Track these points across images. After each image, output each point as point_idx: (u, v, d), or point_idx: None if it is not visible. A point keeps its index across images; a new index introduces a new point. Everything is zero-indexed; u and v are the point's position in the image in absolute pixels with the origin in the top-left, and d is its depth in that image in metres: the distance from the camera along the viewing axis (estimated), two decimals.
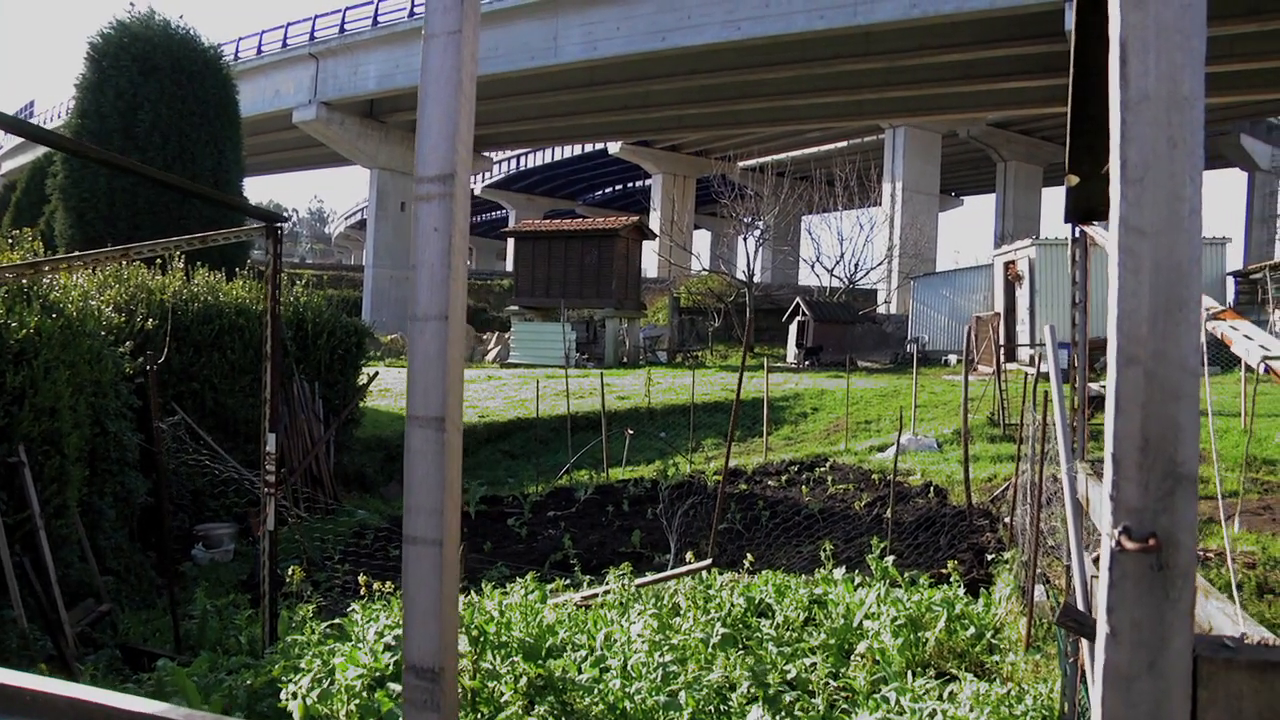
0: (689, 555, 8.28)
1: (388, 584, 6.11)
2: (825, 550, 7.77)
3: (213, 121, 19.15)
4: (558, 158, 73.73)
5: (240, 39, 47.83)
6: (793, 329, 32.18)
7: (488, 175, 74.54)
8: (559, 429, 17.11)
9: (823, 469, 13.39)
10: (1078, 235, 4.84)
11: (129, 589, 8.18)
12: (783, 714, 4.35)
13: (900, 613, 5.66)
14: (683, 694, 4.26)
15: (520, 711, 4.18)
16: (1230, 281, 27.94)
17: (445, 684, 1.35)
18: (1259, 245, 45.51)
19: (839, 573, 6.93)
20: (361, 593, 6.17)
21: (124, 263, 11.02)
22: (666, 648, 4.98)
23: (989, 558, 8.23)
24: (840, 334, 31.55)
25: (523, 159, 75.20)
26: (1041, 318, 24.36)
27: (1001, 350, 17.70)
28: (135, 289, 11.11)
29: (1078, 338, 5.01)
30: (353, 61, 42.16)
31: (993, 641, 5.77)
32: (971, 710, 4.26)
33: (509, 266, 50.27)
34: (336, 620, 5.61)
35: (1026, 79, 32.27)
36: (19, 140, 46.12)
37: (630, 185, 79.47)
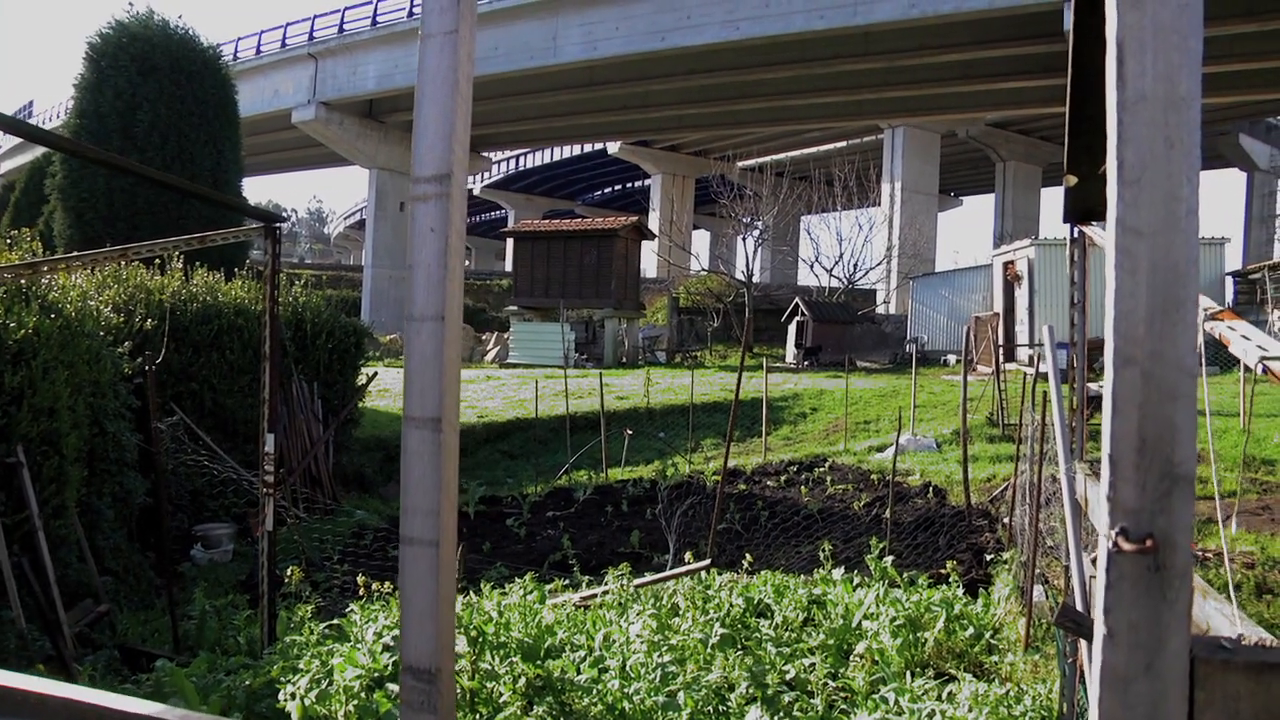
0: (688, 555, 8.28)
1: (386, 584, 6.11)
2: (824, 550, 7.77)
3: (211, 121, 19.15)
4: (557, 158, 73.72)
5: (239, 39, 47.82)
6: (792, 329, 32.18)
7: (487, 175, 74.52)
8: (558, 429, 17.10)
9: (822, 469, 13.39)
10: (1076, 235, 4.84)
11: (127, 589, 8.17)
12: (781, 714, 4.35)
13: (899, 613, 5.66)
14: (681, 694, 4.26)
15: (519, 712, 4.18)
16: (1229, 282, 27.94)
17: (442, 685, 1.35)
18: (1258, 245, 45.52)
19: (838, 573, 6.93)
20: (360, 593, 6.17)
21: (123, 263, 11.02)
22: (665, 648, 4.97)
23: (988, 558, 8.23)
24: (839, 334, 31.56)
25: (522, 159, 75.19)
26: (1040, 318, 24.36)
27: (1000, 350, 17.71)
28: (134, 289, 11.10)
29: (1076, 338, 5.01)
30: (352, 61, 42.16)
31: (992, 642, 5.77)
32: (970, 710, 4.26)
33: (508, 267, 50.29)
34: (335, 621, 5.61)
35: (1025, 79, 32.28)
36: (18, 140, 46.10)
37: (629, 185, 79.48)
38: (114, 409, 8.57)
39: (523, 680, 4.35)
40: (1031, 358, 22.07)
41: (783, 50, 32.91)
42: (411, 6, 39.85)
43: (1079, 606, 2.64)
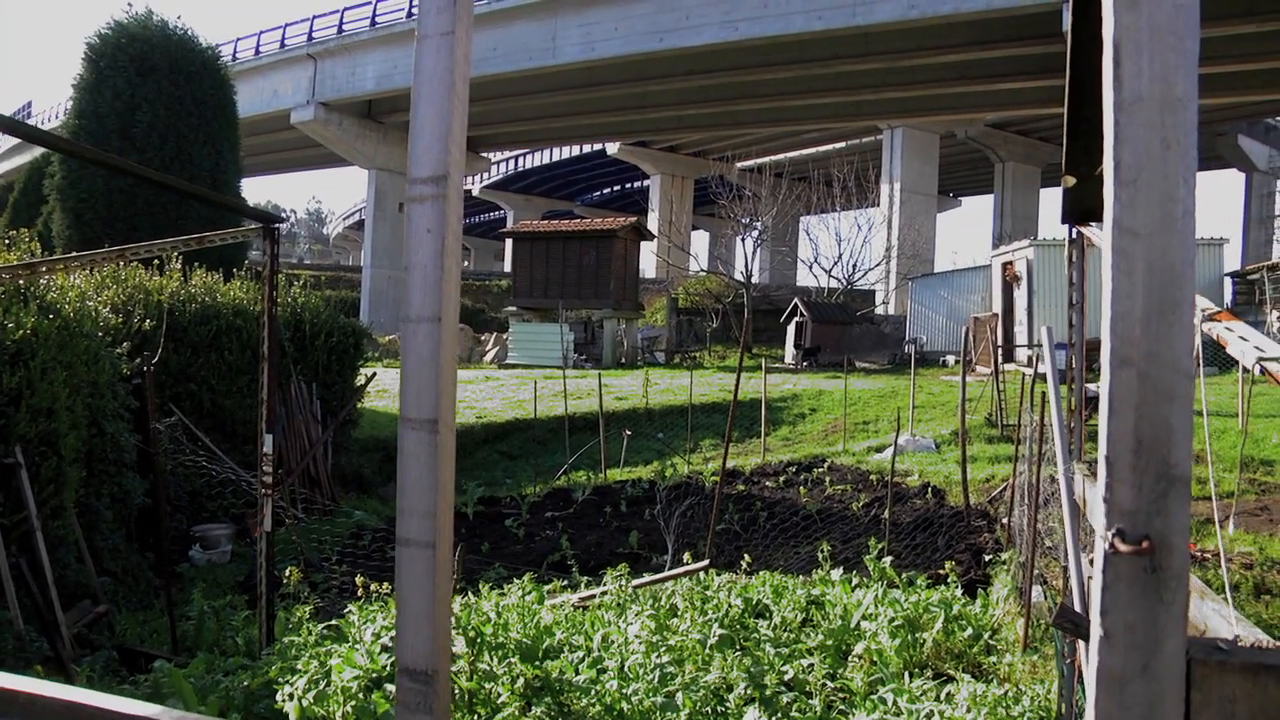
0: (686, 556, 8.28)
1: (385, 585, 6.10)
2: (823, 551, 7.77)
3: (210, 122, 19.13)
4: (556, 158, 73.71)
5: (238, 39, 47.86)
6: (791, 330, 32.19)
7: (486, 176, 74.52)
8: (557, 430, 17.10)
9: (821, 470, 13.39)
10: (1075, 236, 4.85)
11: (126, 590, 8.16)
12: (779, 715, 4.35)
13: (898, 614, 5.66)
14: (680, 695, 4.26)
15: (517, 713, 4.18)
16: (1228, 282, 27.95)
17: (438, 686, 1.35)
18: (1256, 246, 45.50)
19: (837, 573, 6.93)
20: (359, 594, 6.17)
21: (121, 263, 11.01)
22: (664, 649, 4.97)
23: (986, 558, 8.24)
24: (838, 335, 31.56)
25: (521, 159, 75.18)
26: (1039, 318, 24.38)
27: (999, 351, 17.71)
28: (133, 290, 11.09)
29: (1075, 338, 5.01)
30: (351, 62, 42.15)
31: (990, 642, 5.77)
32: (968, 711, 4.26)
33: (507, 267, 50.27)
34: (333, 621, 5.60)
35: (1024, 80, 32.30)
36: (16, 141, 46.05)
37: (628, 186, 79.48)
38: (112, 409, 8.56)
39: (521, 681, 4.35)
40: (1030, 358, 22.06)
41: (781, 51, 32.92)
42: (410, 7, 39.81)
43: (1077, 607, 2.64)
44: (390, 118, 44.81)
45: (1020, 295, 26.41)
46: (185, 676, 4.68)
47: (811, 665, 5.05)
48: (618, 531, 10.76)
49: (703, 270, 43.35)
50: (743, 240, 40.38)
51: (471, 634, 4.49)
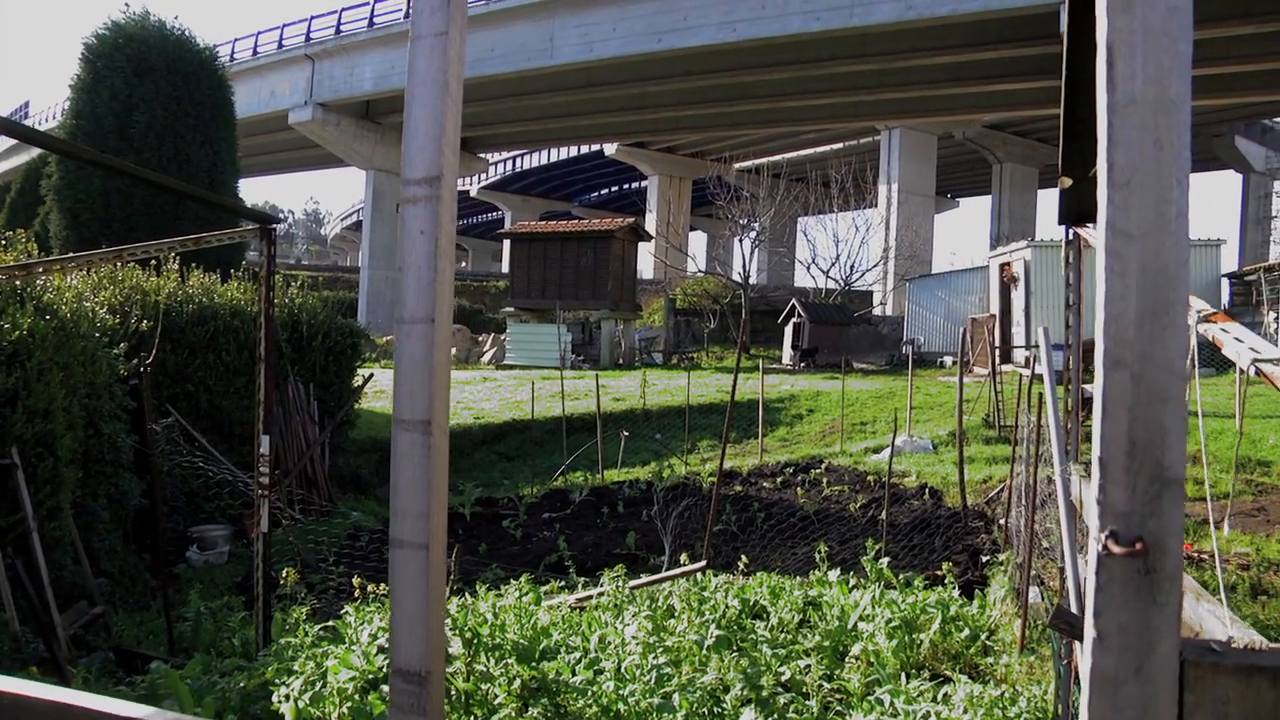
0: (684, 557, 8.28)
1: (382, 586, 6.10)
2: (820, 552, 7.76)
3: (208, 123, 19.13)
4: (554, 159, 73.73)
5: (236, 40, 47.83)
6: (788, 330, 32.21)
7: (483, 177, 74.53)
8: (554, 430, 17.10)
9: (818, 470, 13.40)
10: (1071, 238, 4.86)
11: (123, 591, 8.16)
12: (776, 716, 4.34)
13: (895, 615, 5.66)
14: (676, 696, 4.25)
15: (514, 714, 4.18)
16: (1225, 283, 28.00)
17: (432, 688, 1.34)
18: (1254, 247, 45.61)
19: (834, 575, 6.93)
20: (356, 595, 6.16)
21: (118, 264, 10.99)
22: (660, 650, 4.97)
23: (984, 559, 8.24)
24: (836, 335, 31.58)
25: (519, 160, 75.20)
26: (1037, 319, 24.41)
27: (997, 352, 17.73)
28: (130, 290, 11.08)
29: (1072, 339, 5.02)
30: (349, 62, 42.13)
31: (987, 643, 5.77)
32: (965, 712, 4.26)
33: (505, 268, 50.29)
34: (330, 622, 5.60)
35: (1022, 81, 32.33)
36: (13, 141, 45.98)
37: (626, 187, 79.50)
38: (109, 410, 8.55)
39: (518, 682, 4.35)
40: (1027, 359, 22.09)
41: (779, 52, 32.94)
42: (409, 7, 39.80)
43: (1074, 608, 2.64)
44: (388, 118, 44.79)
45: (1018, 296, 26.45)
46: (182, 678, 4.67)
47: (808, 666, 5.05)
48: (615, 532, 10.75)
49: (700, 271, 43.40)
50: (740, 241, 40.43)
51: (468, 635, 4.49)
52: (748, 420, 17.47)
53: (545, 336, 30.63)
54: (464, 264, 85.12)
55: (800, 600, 6.34)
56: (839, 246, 41.18)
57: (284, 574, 6.76)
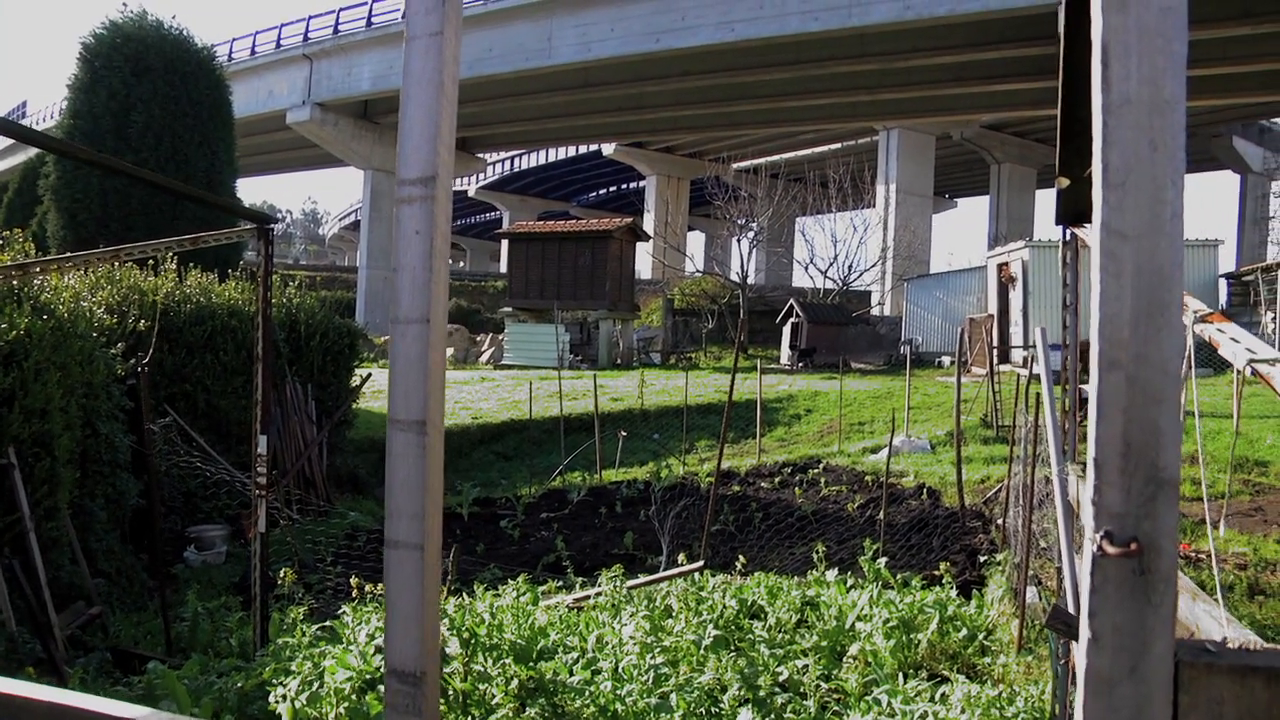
0: (681, 557, 8.28)
1: (379, 586, 6.09)
2: (818, 552, 7.76)
3: (206, 122, 19.11)
4: (552, 159, 73.74)
5: (234, 39, 47.83)
6: (786, 331, 32.22)
7: (482, 177, 74.51)
8: (552, 430, 17.10)
9: (816, 470, 13.40)
10: (1069, 238, 4.86)
11: (120, 591, 8.15)
12: (774, 716, 4.34)
13: (892, 615, 5.66)
14: (674, 696, 4.25)
15: (511, 714, 4.17)
16: (1223, 284, 28.03)
17: (427, 688, 1.34)
18: (1251, 247, 45.63)
19: (831, 575, 6.92)
20: (353, 595, 6.15)
21: (116, 264, 10.98)
22: (658, 650, 4.97)
23: (981, 559, 8.24)
24: (834, 335, 31.59)
25: (517, 160, 75.20)
26: (1034, 319, 24.43)
27: (994, 352, 17.74)
28: (127, 290, 11.06)
29: (1069, 340, 5.03)
30: (347, 62, 42.11)
31: (985, 643, 5.77)
32: (963, 712, 4.26)
33: (503, 268, 50.29)
34: (328, 623, 5.59)
35: (1020, 81, 32.36)
36: (11, 141, 45.94)
37: (624, 187, 79.50)
38: (107, 410, 8.54)
39: (515, 682, 4.35)
40: (1025, 359, 22.11)
41: (778, 52, 32.95)
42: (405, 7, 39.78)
43: (1071, 608, 2.64)
44: (386, 118, 44.78)
45: (1015, 296, 26.47)
46: (179, 678, 4.67)
47: (806, 666, 5.05)
48: (613, 532, 10.75)
49: (698, 271, 43.41)
50: (738, 241, 40.44)
51: (466, 635, 4.49)
52: (746, 420, 17.47)
53: (543, 336, 30.63)
54: (462, 264, 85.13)
55: (798, 600, 6.34)
56: (837, 246, 41.35)
57: (281, 574, 6.75)
